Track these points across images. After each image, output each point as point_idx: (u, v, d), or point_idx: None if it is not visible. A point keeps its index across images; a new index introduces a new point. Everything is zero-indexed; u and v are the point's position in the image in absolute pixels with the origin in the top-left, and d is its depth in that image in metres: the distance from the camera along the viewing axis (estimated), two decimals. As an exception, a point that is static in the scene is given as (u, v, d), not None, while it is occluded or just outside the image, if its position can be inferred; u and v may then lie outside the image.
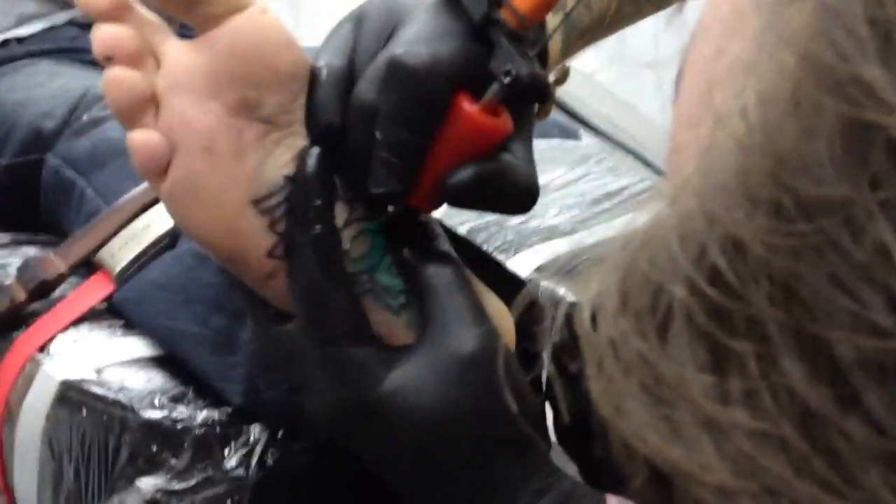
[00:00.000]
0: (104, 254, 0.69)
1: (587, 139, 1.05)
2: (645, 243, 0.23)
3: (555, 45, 0.57)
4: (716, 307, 0.21)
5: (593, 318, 0.24)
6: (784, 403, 0.21)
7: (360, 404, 0.49)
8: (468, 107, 0.49)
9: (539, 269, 0.74)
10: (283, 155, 0.50)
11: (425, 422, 0.48)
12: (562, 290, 0.72)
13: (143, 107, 0.48)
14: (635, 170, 0.91)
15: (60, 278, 0.69)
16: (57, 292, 0.70)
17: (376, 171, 0.48)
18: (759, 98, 0.21)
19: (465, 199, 0.50)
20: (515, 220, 0.84)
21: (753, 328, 0.21)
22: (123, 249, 0.68)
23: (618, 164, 0.94)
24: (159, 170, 0.48)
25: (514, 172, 0.51)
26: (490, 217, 0.87)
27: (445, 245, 0.53)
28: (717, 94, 0.23)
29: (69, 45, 1.06)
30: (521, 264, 0.75)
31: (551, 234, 0.80)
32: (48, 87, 0.94)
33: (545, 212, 0.84)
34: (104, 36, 0.47)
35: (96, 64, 1.04)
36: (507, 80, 0.48)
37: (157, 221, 0.69)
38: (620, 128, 0.76)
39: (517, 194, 0.52)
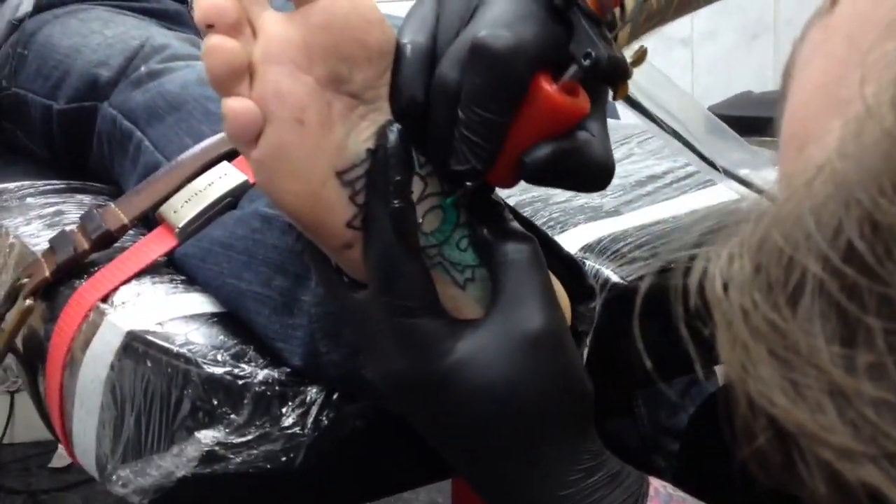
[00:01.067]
0: (166, 209, 0.71)
1: (626, 118, 1.06)
2: (778, 221, 0.25)
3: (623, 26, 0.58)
4: (849, 283, 0.23)
5: (724, 287, 0.25)
6: None
7: (426, 374, 0.51)
8: (548, 87, 0.50)
9: (584, 249, 0.76)
10: (367, 129, 0.51)
11: (489, 395, 0.50)
12: (607, 272, 0.74)
13: (240, 75, 0.49)
14: (677, 153, 0.92)
15: (123, 229, 0.71)
16: (116, 244, 0.72)
17: (459, 150, 0.50)
18: None
19: (543, 175, 0.52)
20: (560, 198, 0.86)
21: (885, 305, 0.23)
22: (186, 206, 0.69)
23: (660, 147, 0.95)
24: (251, 137, 0.50)
25: (590, 150, 0.53)
26: (535, 192, 0.89)
27: (518, 224, 0.55)
28: (867, 87, 0.24)
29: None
30: (566, 242, 0.77)
31: (596, 213, 0.81)
32: (103, 34, 0.95)
33: (590, 191, 0.85)
34: (207, 5, 0.49)
35: (150, 14, 1.05)
36: (587, 62, 0.49)
37: (220, 180, 0.70)
38: (658, 103, 0.77)
39: (593, 171, 0.53)
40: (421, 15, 0.53)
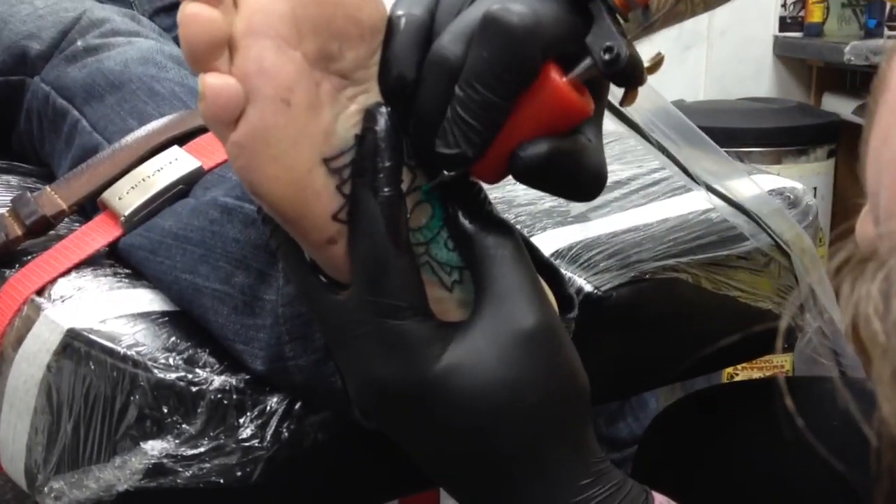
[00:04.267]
0: (110, 195, 0.65)
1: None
2: None
3: None
4: None
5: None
6: None
7: (414, 381, 0.46)
8: (557, 77, 0.46)
9: (555, 255, 0.72)
10: (357, 113, 0.47)
11: (486, 399, 0.46)
12: (580, 281, 0.70)
13: (219, 49, 0.44)
14: (641, 160, 0.89)
15: (61, 215, 0.65)
16: (51, 231, 0.66)
17: (450, 131, 0.46)
18: None
19: (535, 174, 0.48)
20: (524, 200, 0.82)
21: None
22: (132, 192, 0.63)
23: (622, 152, 0.92)
24: (231, 118, 0.44)
25: (587, 154, 0.49)
26: (497, 193, 0.85)
27: (500, 214, 0.51)
28: None
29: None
30: (535, 247, 0.73)
31: (564, 218, 0.78)
32: (33, 4, 0.88)
33: (555, 194, 0.81)
34: None
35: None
36: (606, 56, 0.46)
37: (170, 166, 0.64)
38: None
39: (587, 178, 0.50)
40: None
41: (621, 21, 0.47)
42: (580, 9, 0.46)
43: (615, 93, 0.52)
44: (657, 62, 0.50)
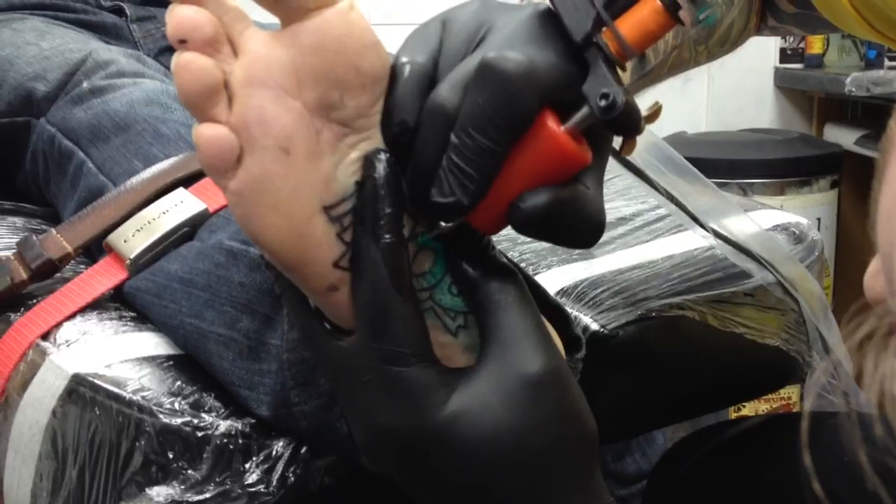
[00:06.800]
0: (115, 238, 0.65)
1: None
2: None
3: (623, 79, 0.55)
4: None
5: None
6: None
7: (418, 429, 0.46)
8: (554, 126, 0.46)
9: (561, 293, 0.72)
10: (357, 161, 0.47)
11: (491, 446, 0.46)
12: (586, 319, 0.70)
13: (215, 97, 0.44)
14: (644, 196, 0.89)
15: (66, 259, 0.65)
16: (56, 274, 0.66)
17: (445, 179, 0.46)
18: None
19: (535, 225, 0.47)
20: (528, 237, 0.82)
21: None
22: (138, 235, 0.63)
23: (626, 188, 0.92)
24: (227, 167, 0.44)
25: (586, 204, 0.48)
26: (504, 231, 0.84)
27: (504, 258, 0.51)
28: None
29: (60, 2, 1.00)
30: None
31: (568, 255, 0.78)
32: (39, 46, 0.89)
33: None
34: (181, 18, 0.44)
35: (88, 27, 0.99)
36: (602, 103, 0.45)
37: (175, 208, 0.64)
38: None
39: (586, 228, 0.49)
40: (424, 35, 0.48)
41: (618, 69, 0.47)
42: (576, 57, 0.46)
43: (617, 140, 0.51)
44: (655, 111, 0.50)
